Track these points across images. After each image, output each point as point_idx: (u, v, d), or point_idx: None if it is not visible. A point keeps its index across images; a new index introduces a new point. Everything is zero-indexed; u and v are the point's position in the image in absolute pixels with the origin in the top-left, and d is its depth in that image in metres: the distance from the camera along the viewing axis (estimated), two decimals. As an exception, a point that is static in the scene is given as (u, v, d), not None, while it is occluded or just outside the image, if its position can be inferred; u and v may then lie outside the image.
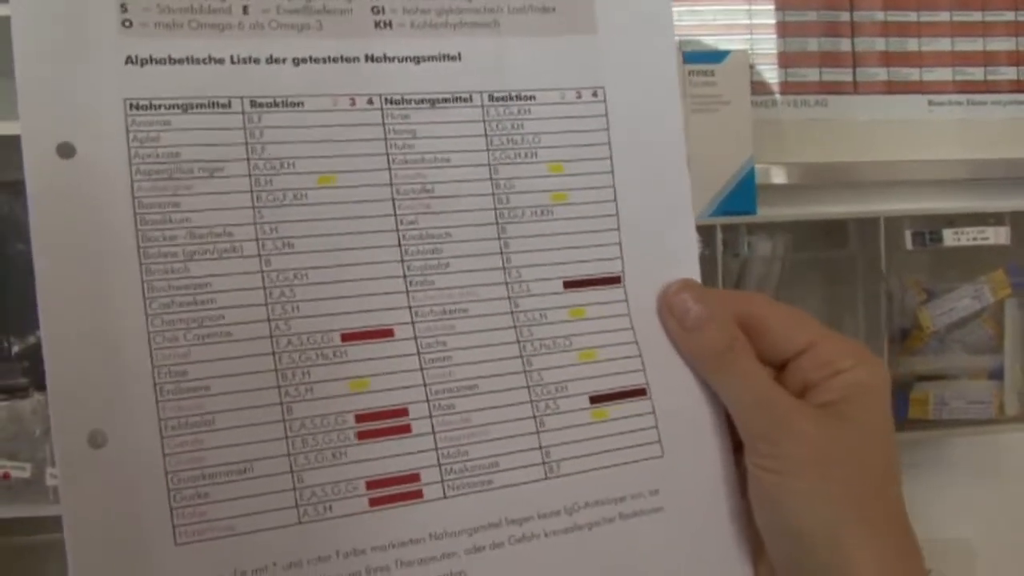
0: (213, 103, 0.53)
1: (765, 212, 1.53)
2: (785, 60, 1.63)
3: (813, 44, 1.63)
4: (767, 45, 1.63)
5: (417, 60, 0.56)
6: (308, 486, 0.51)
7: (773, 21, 1.64)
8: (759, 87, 1.62)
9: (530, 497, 0.55)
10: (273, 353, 0.52)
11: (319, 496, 0.52)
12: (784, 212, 1.58)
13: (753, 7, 1.64)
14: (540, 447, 0.56)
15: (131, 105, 0.51)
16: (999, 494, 1.70)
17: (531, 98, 0.58)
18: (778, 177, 1.58)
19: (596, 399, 0.57)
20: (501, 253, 0.57)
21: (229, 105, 0.53)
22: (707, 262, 1.47)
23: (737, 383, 0.57)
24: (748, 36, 1.63)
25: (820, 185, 1.61)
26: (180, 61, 0.52)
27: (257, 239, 0.52)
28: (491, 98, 0.58)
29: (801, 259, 1.56)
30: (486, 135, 0.57)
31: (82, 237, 0.50)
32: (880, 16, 1.64)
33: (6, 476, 1.27)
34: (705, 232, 1.47)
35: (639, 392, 0.58)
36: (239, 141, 0.53)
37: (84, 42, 0.51)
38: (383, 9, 0.56)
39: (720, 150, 1.51)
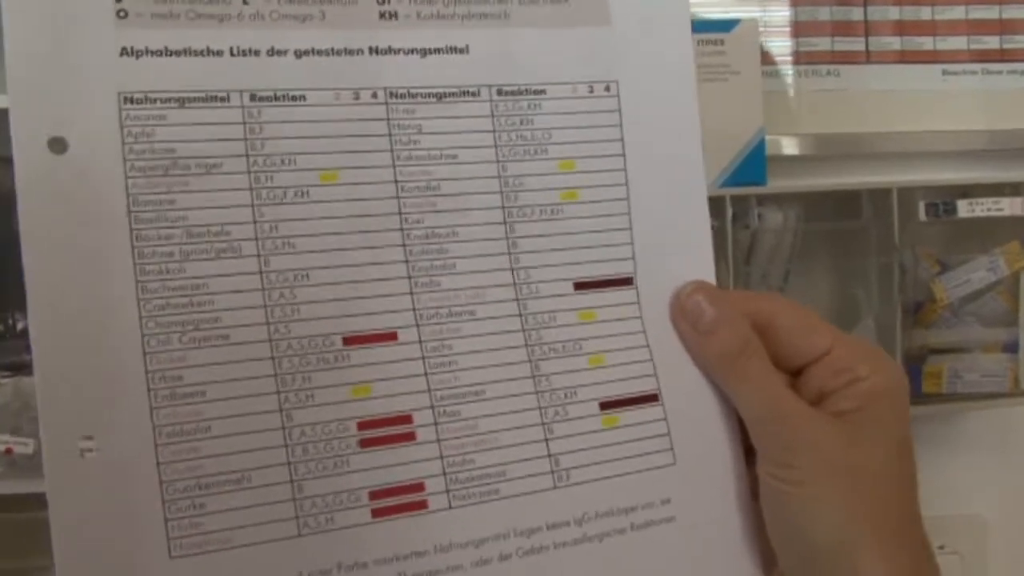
0: (211, 97, 0.51)
1: (776, 183, 1.51)
2: (796, 30, 1.61)
3: (825, 13, 1.60)
4: (778, 15, 1.61)
5: (423, 52, 0.55)
6: (309, 496, 0.50)
7: (785, -10, 1.62)
8: (770, 57, 1.59)
9: (539, 507, 0.54)
10: (272, 357, 0.51)
11: (320, 507, 0.50)
12: (795, 183, 1.56)
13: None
14: (549, 455, 0.54)
15: (125, 99, 0.49)
16: (1013, 469, 1.69)
17: (541, 92, 0.57)
18: (789, 148, 1.56)
19: (606, 405, 0.56)
20: (509, 253, 0.55)
21: (228, 99, 0.51)
22: (717, 234, 1.44)
23: (750, 389, 0.56)
24: (760, 9, 1.61)
25: (832, 156, 1.59)
26: (177, 53, 0.51)
27: (256, 238, 0.51)
28: (500, 92, 0.56)
29: (813, 231, 1.54)
30: (494, 130, 0.56)
31: (73, 235, 0.48)
32: (894, -16, 1.62)
33: (9, 451, 1.26)
34: (715, 204, 1.44)
35: (651, 398, 0.57)
36: (238, 136, 0.51)
37: (77, 33, 0.49)
38: None
39: (730, 120, 1.48)
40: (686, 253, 0.59)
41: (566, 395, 0.55)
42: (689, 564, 0.56)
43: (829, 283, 1.61)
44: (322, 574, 0.50)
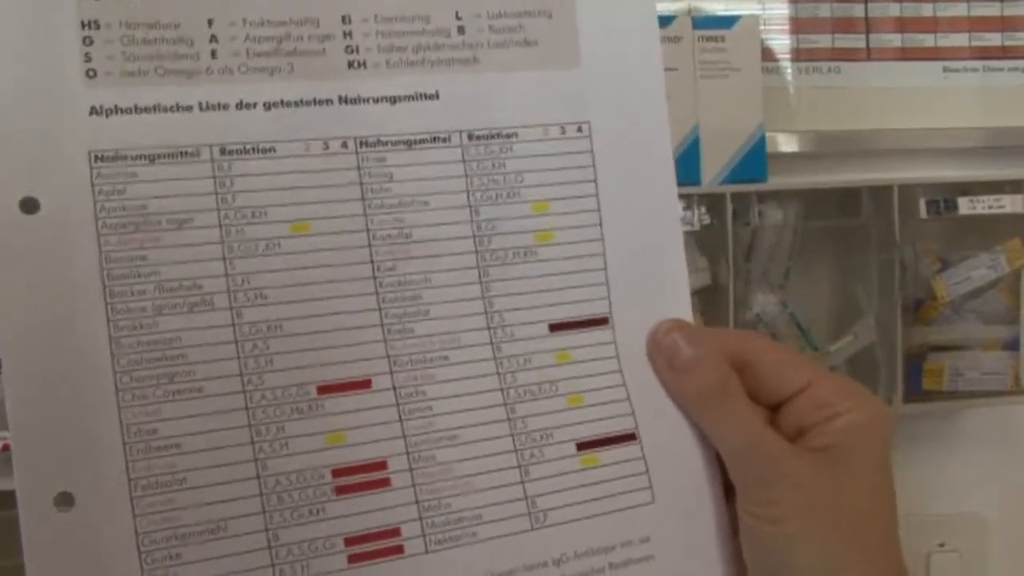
0: (181, 152, 0.52)
1: (776, 180, 1.51)
2: (797, 26, 1.61)
3: (825, 10, 1.60)
4: (779, 11, 1.61)
5: (393, 100, 0.55)
6: (284, 544, 0.51)
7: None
8: (770, 54, 1.59)
9: (516, 549, 0.54)
10: (246, 408, 0.51)
11: (296, 554, 0.51)
12: (796, 180, 1.56)
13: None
14: (525, 497, 0.55)
15: (96, 157, 0.50)
16: (1013, 467, 1.69)
17: (513, 135, 0.57)
18: (789, 145, 1.56)
19: (583, 445, 0.56)
20: (483, 297, 0.56)
21: (198, 154, 0.52)
22: (717, 231, 1.46)
23: (729, 427, 0.56)
24: (760, 6, 1.60)
25: (832, 153, 1.59)
26: (146, 110, 0.51)
27: (228, 291, 0.52)
28: (471, 137, 0.56)
29: (813, 228, 1.54)
30: (466, 175, 0.56)
31: (47, 294, 0.49)
32: (894, -20, 1.62)
33: (6, 448, 1.27)
34: (715, 201, 1.46)
35: (628, 437, 0.57)
36: (208, 191, 0.52)
37: (48, 94, 0.50)
38: (357, 48, 0.55)
39: (730, 117, 1.48)
40: (662, 291, 0.59)
41: (542, 437, 0.55)
42: None
43: (830, 280, 1.61)
44: None
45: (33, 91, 0.49)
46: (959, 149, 1.61)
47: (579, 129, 0.58)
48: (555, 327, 0.57)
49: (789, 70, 1.60)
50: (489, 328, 0.56)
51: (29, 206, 0.49)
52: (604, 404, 0.57)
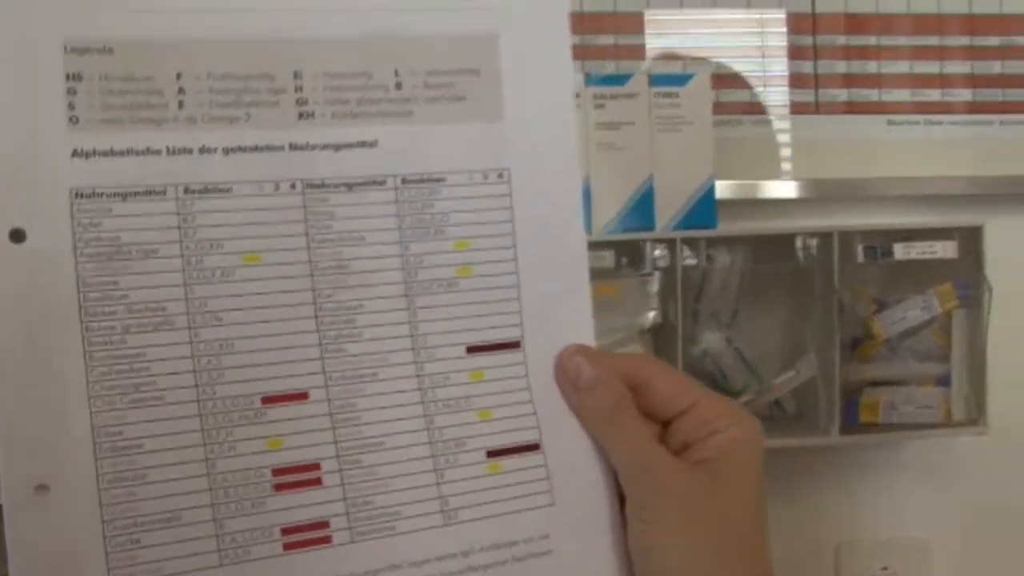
0: (150, 191, 0.58)
1: (726, 227, 1.57)
2: (751, 81, 1.68)
3: (778, 66, 1.68)
4: (734, 68, 1.68)
5: (337, 147, 0.61)
6: (229, 532, 0.57)
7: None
8: (725, 107, 1.66)
9: (429, 542, 0.61)
10: (200, 415, 0.58)
11: (239, 541, 0.57)
12: (743, 226, 1.63)
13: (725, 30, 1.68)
14: (440, 496, 0.61)
15: (77, 194, 0.56)
16: (949, 494, 1.75)
17: (441, 180, 0.63)
18: (740, 193, 1.63)
19: (493, 453, 0.63)
20: (409, 322, 0.62)
21: (164, 192, 0.58)
22: (668, 274, 1.50)
23: (620, 440, 0.63)
24: (715, 62, 1.67)
25: (780, 201, 1.66)
26: (121, 153, 0.57)
27: (188, 313, 0.58)
28: (404, 181, 0.63)
29: (760, 271, 1.61)
30: (398, 215, 0.62)
31: (31, 313, 0.55)
32: (842, 40, 1.69)
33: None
34: (667, 245, 1.51)
35: (532, 447, 0.64)
36: (173, 225, 0.58)
37: (36, 137, 0.56)
38: (307, 101, 0.61)
39: (683, 168, 1.55)
40: (569, 319, 0.66)
41: (456, 445, 0.62)
42: None
43: (779, 319, 1.67)
44: None
45: (23, 134, 0.55)
46: (897, 197, 1.68)
47: (500, 175, 0.65)
48: (472, 349, 0.64)
49: (743, 122, 1.67)
50: (414, 349, 0.62)
51: (17, 236, 0.55)
52: (512, 418, 0.64)
